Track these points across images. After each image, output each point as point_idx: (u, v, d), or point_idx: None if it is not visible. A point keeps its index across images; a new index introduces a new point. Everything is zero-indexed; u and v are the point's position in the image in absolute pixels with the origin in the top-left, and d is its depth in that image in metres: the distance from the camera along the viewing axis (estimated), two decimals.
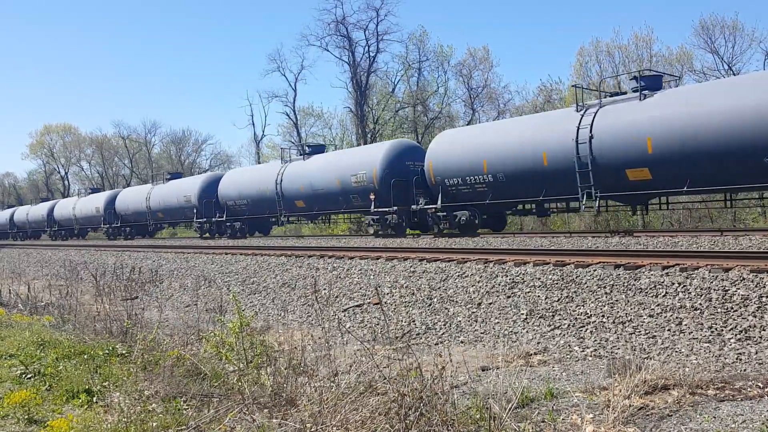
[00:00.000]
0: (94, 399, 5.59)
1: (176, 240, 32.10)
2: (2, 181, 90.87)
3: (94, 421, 4.55)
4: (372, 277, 12.24)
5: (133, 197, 37.97)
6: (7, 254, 35.99)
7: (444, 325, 9.25)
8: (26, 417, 5.14)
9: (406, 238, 20.64)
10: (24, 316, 11.58)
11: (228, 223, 29.18)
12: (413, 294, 10.70)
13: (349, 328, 9.56)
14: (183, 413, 4.85)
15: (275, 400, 5.00)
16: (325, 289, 12.35)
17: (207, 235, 30.82)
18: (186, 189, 32.11)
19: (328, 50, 42.66)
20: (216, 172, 37.19)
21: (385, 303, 10.59)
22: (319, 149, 26.92)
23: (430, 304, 10.10)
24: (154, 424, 4.47)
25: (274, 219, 27.70)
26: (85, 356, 7.08)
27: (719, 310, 7.41)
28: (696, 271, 8.42)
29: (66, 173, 76.41)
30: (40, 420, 5.11)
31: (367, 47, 41.53)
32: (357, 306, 11.01)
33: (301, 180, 24.75)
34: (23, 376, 6.69)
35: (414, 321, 9.63)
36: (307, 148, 26.94)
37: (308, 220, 27.78)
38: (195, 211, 30.79)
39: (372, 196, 21.39)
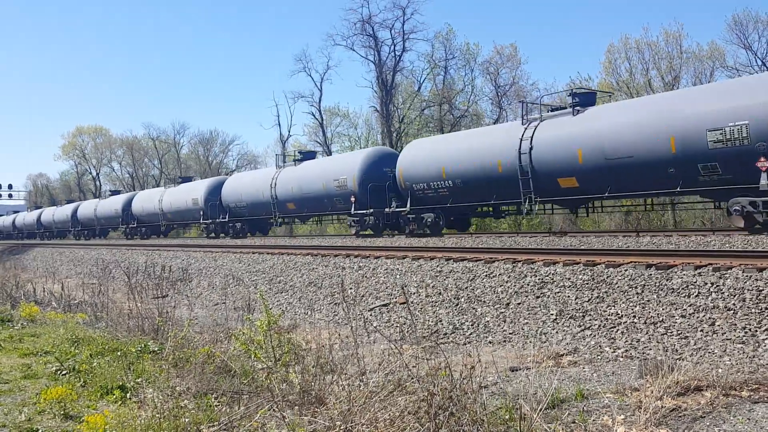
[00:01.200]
0: (128, 395, 5.68)
1: (204, 240, 32.84)
2: (36, 181, 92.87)
3: (128, 417, 4.63)
4: (398, 276, 12.24)
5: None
6: (40, 253, 36.78)
7: (472, 325, 9.22)
8: (62, 412, 5.25)
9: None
10: (58, 313, 11.83)
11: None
12: (440, 294, 10.68)
13: (376, 327, 9.57)
14: (214, 409, 4.91)
15: (304, 398, 5.04)
16: (351, 288, 12.39)
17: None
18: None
19: (353, 50, 42.68)
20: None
21: (412, 303, 10.58)
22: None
23: (457, 304, 10.07)
24: (187, 420, 4.53)
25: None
26: (119, 353, 7.20)
27: (753, 310, 7.26)
28: (729, 271, 8.27)
29: (97, 174, 77.74)
30: (76, 416, 5.21)
31: (392, 46, 41.48)
32: (383, 305, 11.03)
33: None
34: (58, 372, 6.83)
35: (441, 321, 9.62)
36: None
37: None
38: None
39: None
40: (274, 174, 28.29)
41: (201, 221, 33.34)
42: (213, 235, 32.92)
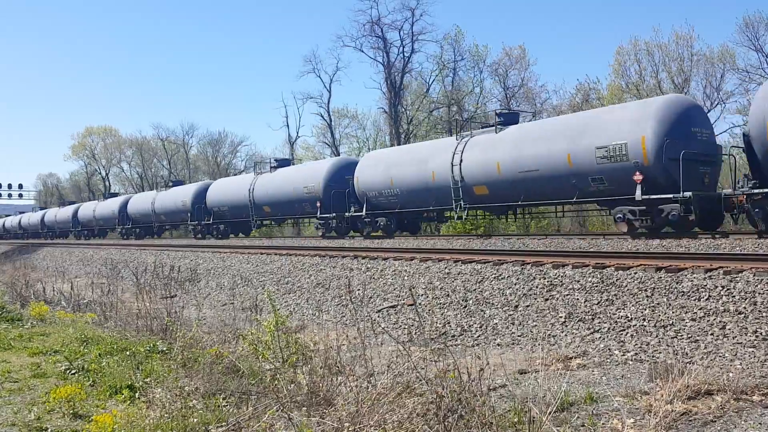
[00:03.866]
0: (137, 395, 5.70)
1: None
2: (46, 181, 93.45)
3: (137, 417, 4.64)
4: (406, 278, 12.23)
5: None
6: (49, 253, 36.99)
7: (480, 327, 9.19)
8: (71, 412, 5.26)
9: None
10: (67, 313, 11.90)
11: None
12: (448, 296, 10.66)
13: (384, 328, 9.56)
14: (222, 410, 4.92)
15: (312, 399, 5.03)
16: (359, 289, 12.38)
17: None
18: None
19: (362, 51, 42.72)
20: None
21: (420, 304, 10.56)
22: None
23: (465, 306, 10.04)
24: (195, 420, 4.54)
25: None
26: (127, 353, 7.23)
27: (765, 314, 7.20)
28: (740, 274, 8.20)
29: (107, 174, 78.15)
30: (85, 415, 5.23)
31: (401, 48, 41.48)
32: (391, 307, 11.02)
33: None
34: (68, 371, 6.86)
35: (449, 323, 9.59)
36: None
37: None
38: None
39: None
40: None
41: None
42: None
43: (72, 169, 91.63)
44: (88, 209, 51.12)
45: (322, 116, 48.09)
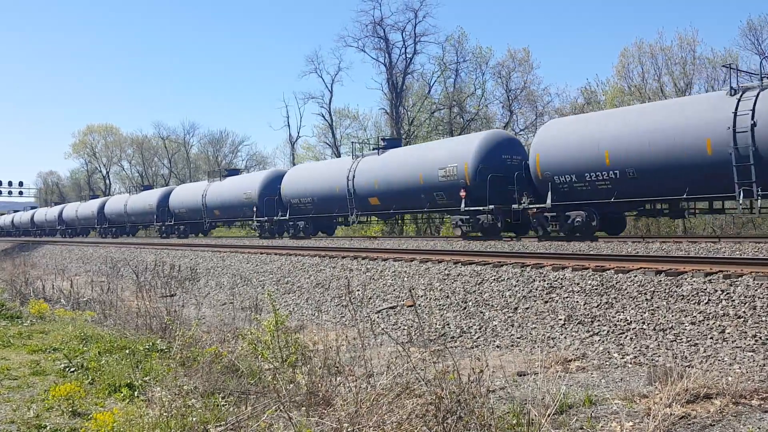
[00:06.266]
0: (136, 393, 5.70)
1: (216, 239, 33.23)
2: (46, 179, 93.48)
3: (136, 415, 4.64)
4: (406, 279, 12.23)
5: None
6: (49, 251, 36.99)
7: (479, 329, 9.19)
8: (70, 410, 5.26)
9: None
10: (67, 311, 11.89)
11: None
12: (448, 297, 10.66)
13: (384, 329, 9.56)
14: (221, 409, 4.92)
15: (311, 399, 5.03)
16: (358, 290, 12.38)
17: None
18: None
19: (365, 51, 42.73)
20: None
21: (419, 306, 10.56)
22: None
23: (465, 308, 10.04)
24: (194, 419, 4.54)
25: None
26: (127, 351, 7.23)
27: (764, 318, 7.20)
28: (740, 279, 8.21)
29: (107, 172, 78.17)
30: (84, 413, 5.23)
31: (404, 48, 41.49)
32: (391, 308, 11.02)
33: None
34: (67, 369, 6.86)
35: (448, 324, 9.59)
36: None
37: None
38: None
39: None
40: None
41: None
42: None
43: (73, 167, 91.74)
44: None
45: (323, 116, 48.14)
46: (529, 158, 18.63)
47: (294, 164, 46.03)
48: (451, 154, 20.52)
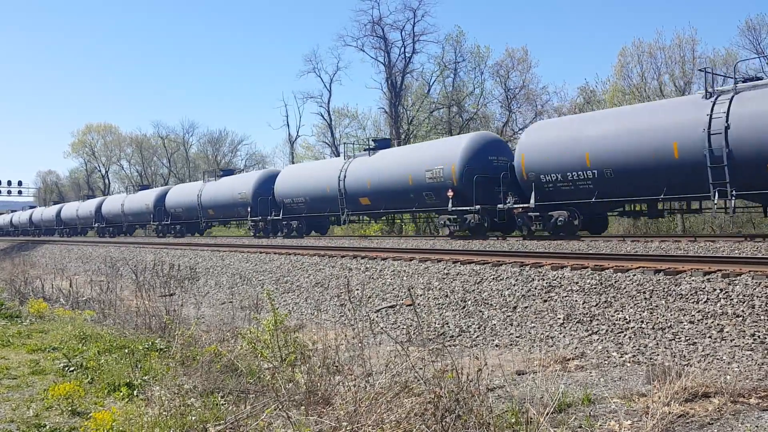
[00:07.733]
0: (135, 392, 5.70)
1: (213, 239, 33.21)
2: (45, 178, 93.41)
3: (135, 414, 4.65)
4: (405, 278, 12.23)
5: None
6: (49, 250, 36.98)
7: (478, 328, 9.20)
8: (70, 409, 5.27)
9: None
10: (66, 310, 11.90)
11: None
12: (447, 296, 10.67)
13: (383, 328, 9.57)
14: (220, 408, 4.93)
15: (310, 398, 5.04)
16: (358, 289, 12.39)
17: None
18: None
19: (363, 50, 42.66)
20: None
21: (419, 305, 10.57)
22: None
23: (464, 307, 10.05)
24: (193, 418, 4.54)
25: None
26: (126, 350, 7.23)
27: (762, 317, 7.21)
28: (738, 278, 8.22)
29: (106, 172, 78.12)
30: (83, 412, 5.24)
31: (403, 48, 41.43)
32: (390, 307, 11.02)
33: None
34: (66, 368, 6.86)
35: (447, 323, 9.60)
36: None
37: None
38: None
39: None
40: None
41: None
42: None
43: (72, 166, 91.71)
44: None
45: (322, 116, 48.13)
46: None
47: (293, 163, 46.03)
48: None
